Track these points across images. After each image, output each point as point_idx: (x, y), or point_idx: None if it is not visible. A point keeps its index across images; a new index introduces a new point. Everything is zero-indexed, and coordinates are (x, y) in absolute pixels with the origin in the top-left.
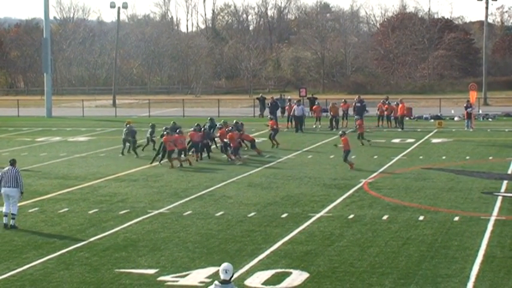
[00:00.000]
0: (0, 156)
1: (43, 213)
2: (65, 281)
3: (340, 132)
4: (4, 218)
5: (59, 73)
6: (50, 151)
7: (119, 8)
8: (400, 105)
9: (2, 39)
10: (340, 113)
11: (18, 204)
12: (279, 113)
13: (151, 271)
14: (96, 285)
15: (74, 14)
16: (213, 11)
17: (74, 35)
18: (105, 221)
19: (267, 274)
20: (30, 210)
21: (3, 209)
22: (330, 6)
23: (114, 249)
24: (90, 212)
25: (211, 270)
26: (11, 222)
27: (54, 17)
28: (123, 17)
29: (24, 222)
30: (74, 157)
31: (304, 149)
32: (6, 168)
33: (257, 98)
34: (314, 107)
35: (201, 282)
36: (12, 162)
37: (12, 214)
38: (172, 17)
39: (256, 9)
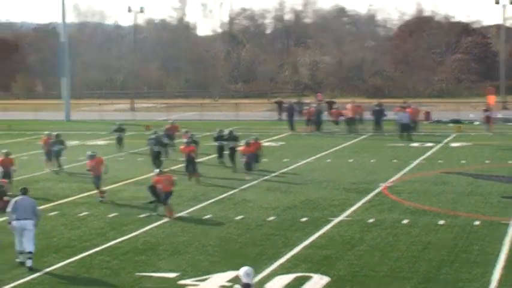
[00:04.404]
0: (19, 160)
1: (63, 217)
2: (85, 285)
3: None
4: (20, 255)
5: (76, 77)
6: (68, 155)
7: (135, 12)
8: (410, 110)
9: (20, 43)
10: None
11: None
12: (296, 116)
13: (172, 275)
14: None
15: (91, 18)
16: (230, 15)
17: (92, 39)
18: (125, 224)
19: (288, 278)
20: (50, 214)
21: (17, 246)
22: (346, 10)
23: (135, 252)
24: (110, 215)
25: (231, 274)
26: (28, 263)
27: (72, 21)
28: (140, 21)
29: (45, 226)
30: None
31: (323, 153)
32: (19, 197)
33: (275, 102)
34: (332, 111)
35: (221, 286)
36: (24, 191)
37: (28, 253)
38: (189, 21)
39: (273, 13)
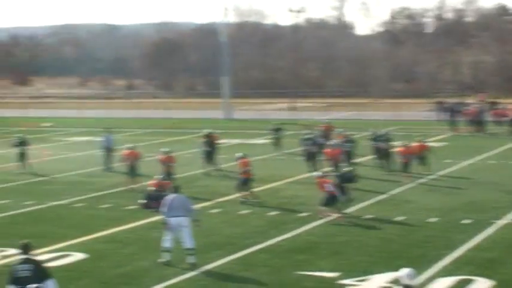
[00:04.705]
0: (181, 157)
1: (224, 215)
2: (246, 282)
3: None
4: (165, 254)
5: (237, 76)
6: (229, 153)
7: (295, 11)
8: None
9: (181, 43)
10: None
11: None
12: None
13: (332, 274)
14: (278, 287)
15: (251, 18)
16: (390, 14)
17: (251, 39)
18: (286, 223)
19: (450, 281)
20: (211, 211)
21: (167, 244)
22: (508, 8)
23: (295, 251)
24: (271, 214)
25: (391, 275)
26: (191, 259)
27: (232, 21)
28: (300, 20)
29: (207, 223)
30: (253, 159)
31: (486, 154)
32: (172, 195)
33: (436, 102)
34: (494, 112)
35: (381, 287)
36: (176, 189)
37: (190, 249)
38: (348, 20)
39: (433, 12)
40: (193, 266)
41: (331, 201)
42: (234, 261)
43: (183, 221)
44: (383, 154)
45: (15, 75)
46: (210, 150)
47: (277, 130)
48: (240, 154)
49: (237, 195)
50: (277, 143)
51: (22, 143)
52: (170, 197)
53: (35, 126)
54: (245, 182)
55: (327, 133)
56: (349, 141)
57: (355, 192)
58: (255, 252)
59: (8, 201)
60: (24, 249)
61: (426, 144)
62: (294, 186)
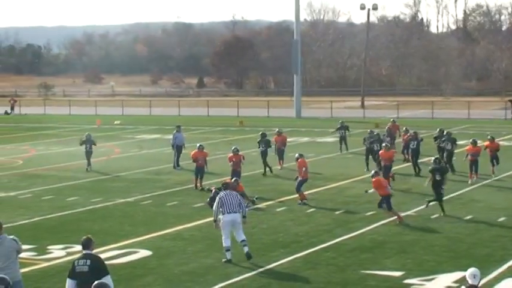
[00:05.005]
0: (250, 155)
1: (291, 213)
2: (311, 281)
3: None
4: (227, 253)
5: (308, 74)
6: (298, 151)
7: (368, 9)
8: None
9: (253, 41)
10: None
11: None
12: None
13: (397, 273)
14: (342, 286)
15: (324, 16)
16: (465, 11)
17: (324, 37)
18: (351, 222)
19: None
20: (278, 209)
21: (225, 242)
22: None
23: (361, 250)
24: (337, 212)
25: (458, 274)
26: (245, 249)
27: (305, 19)
28: (373, 18)
29: (272, 221)
30: (321, 158)
31: None
32: (224, 192)
33: (509, 100)
34: None
35: (447, 287)
36: (226, 186)
37: (242, 241)
38: (422, 17)
39: (509, 9)
40: (249, 256)
41: (387, 202)
42: (298, 259)
43: (237, 217)
44: (447, 155)
45: (87, 73)
46: (282, 149)
47: (342, 129)
48: (297, 155)
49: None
50: (342, 141)
51: (88, 142)
52: (221, 194)
53: (106, 124)
54: (301, 183)
55: (391, 132)
56: (415, 139)
57: (422, 192)
58: (320, 251)
59: (76, 198)
60: (84, 244)
61: (496, 143)
62: (359, 185)
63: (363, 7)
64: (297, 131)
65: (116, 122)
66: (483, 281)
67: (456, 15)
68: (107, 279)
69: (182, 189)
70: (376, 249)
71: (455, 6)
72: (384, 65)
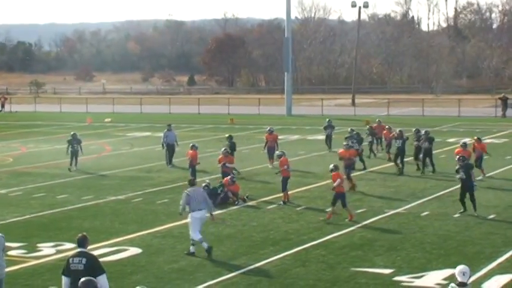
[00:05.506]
0: (240, 153)
1: (281, 210)
2: (300, 278)
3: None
4: (192, 246)
5: (299, 72)
6: (289, 149)
7: (359, 7)
8: None
9: (244, 38)
10: None
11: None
12: None
13: (387, 271)
14: (332, 283)
15: (315, 14)
16: (455, 9)
17: (315, 35)
18: (341, 219)
19: (506, 278)
20: (268, 207)
21: (197, 236)
22: None
23: (351, 247)
24: (327, 210)
25: (448, 272)
26: (205, 245)
27: (296, 17)
28: (363, 16)
29: (263, 219)
30: (312, 155)
31: None
32: (191, 189)
33: (499, 98)
34: None
35: (437, 284)
36: (193, 183)
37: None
38: (413, 15)
39: (500, 7)
40: (210, 249)
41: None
42: (288, 257)
43: (204, 213)
44: (424, 153)
45: (79, 71)
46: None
47: (328, 128)
48: (279, 152)
49: (294, 191)
50: (328, 140)
51: (74, 140)
52: (188, 190)
53: (97, 122)
54: (284, 182)
55: (375, 132)
56: (401, 138)
57: (411, 190)
58: (310, 248)
59: (67, 196)
60: (80, 242)
61: (483, 143)
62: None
63: (353, 5)
64: (287, 128)
65: (106, 120)
66: (472, 278)
67: (447, 13)
68: (103, 278)
69: (173, 187)
70: (366, 246)
71: (446, 4)
72: (374, 62)
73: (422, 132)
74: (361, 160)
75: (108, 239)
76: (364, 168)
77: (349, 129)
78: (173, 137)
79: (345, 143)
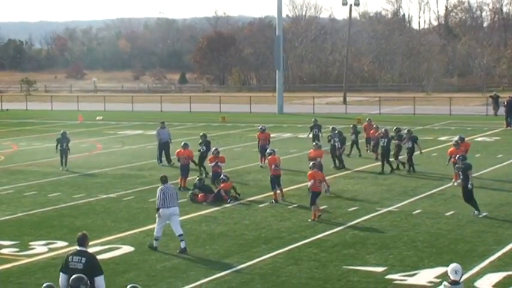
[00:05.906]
0: (232, 151)
1: (273, 208)
2: (293, 276)
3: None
4: (155, 242)
5: (290, 70)
6: (280, 147)
7: (350, 5)
8: None
9: (235, 37)
10: None
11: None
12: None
13: (379, 269)
14: (324, 281)
15: (306, 12)
16: (446, 7)
17: (306, 33)
18: (333, 217)
19: (498, 276)
20: (260, 205)
21: (158, 232)
22: None
23: (343, 245)
24: (320, 208)
25: (440, 270)
26: (182, 244)
27: (287, 15)
28: (354, 14)
29: (255, 217)
30: (304, 153)
31: None
32: (163, 186)
33: (490, 96)
34: None
35: (429, 282)
36: (165, 180)
37: (180, 235)
38: (404, 14)
39: (490, 6)
40: (184, 250)
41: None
42: (281, 255)
43: (176, 210)
44: (407, 153)
45: (70, 69)
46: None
47: (315, 127)
48: (269, 150)
49: (286, 189)
50: (315, 139)
51: (64, 139)
52: (161, 187)
53: (88, 120)
54: (272, 180)
55: (358, 130)
56: (386, 137)
57: (403, 188)
58: (303, 247)
59: (59, 194)
60: (80, 241)
61: (467, 142)
62: (342, 181)
63: (344, 3)
64: (279, 126)
65: (98, 118)
66: (465, 276)
67: (438, 12)
68: (100, 279)
69: None
70: (358, 244)
71: (437, 3)
72: (365, 61)
73: (405, 131)
74: (340, 159)
75: (100, 237)
76: (343, 167)
77: (330, 127)
78: (167, 135)
79: (314, 143)
